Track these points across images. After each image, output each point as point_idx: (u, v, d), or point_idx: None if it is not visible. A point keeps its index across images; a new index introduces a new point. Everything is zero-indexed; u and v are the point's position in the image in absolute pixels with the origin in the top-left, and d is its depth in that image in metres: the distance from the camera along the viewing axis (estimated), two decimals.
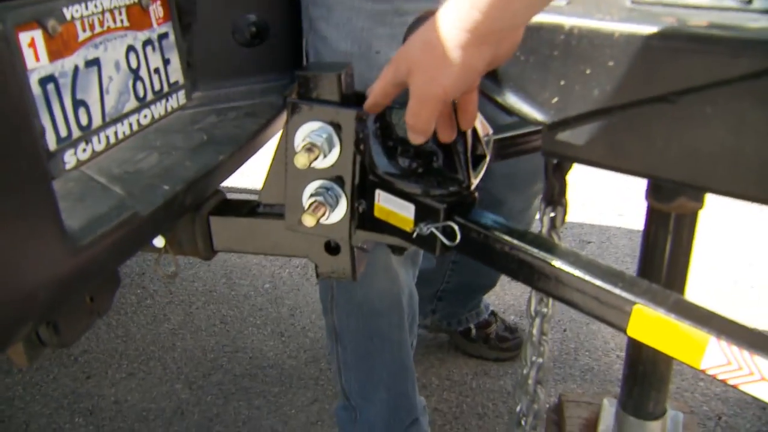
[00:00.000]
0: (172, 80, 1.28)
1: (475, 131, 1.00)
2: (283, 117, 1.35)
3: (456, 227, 0.91)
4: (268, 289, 2.59)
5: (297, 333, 2.33)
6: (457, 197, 0.94)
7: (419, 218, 0.95)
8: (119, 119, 1.13)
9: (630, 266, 2.71)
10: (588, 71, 0.85)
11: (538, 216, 1.09)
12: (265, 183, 1.14)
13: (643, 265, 1.04)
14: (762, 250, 2.77)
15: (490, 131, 1.09)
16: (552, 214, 1.01)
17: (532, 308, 1.05)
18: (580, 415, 1.63)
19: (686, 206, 0.97)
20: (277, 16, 1.41)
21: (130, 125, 1.15)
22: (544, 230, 1.02)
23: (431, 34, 0.77)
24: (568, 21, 0.85)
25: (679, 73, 0.79)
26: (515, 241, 0.88)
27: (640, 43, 0.80)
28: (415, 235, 0.95)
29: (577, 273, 0.82)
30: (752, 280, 2.59)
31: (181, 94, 1.31)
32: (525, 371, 1.05)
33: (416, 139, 0.87)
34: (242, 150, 1.18)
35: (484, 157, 1.03)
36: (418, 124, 0.85)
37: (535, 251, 0.86)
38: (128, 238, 0.92)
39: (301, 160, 0.97)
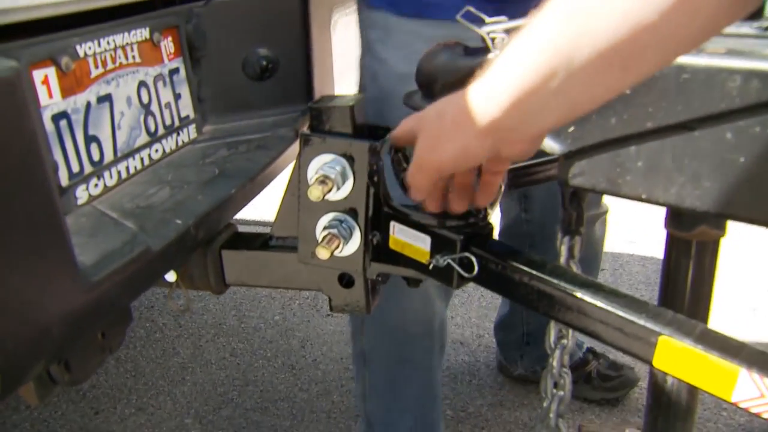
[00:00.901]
0: (183, 114, 1.28)
1: None
2: (295, 149, 1.34)
3: (473, 258, 0.89)
4: (278, 321, 2.57)
5: (308, 365, 2.31)
6: (474, 228, 0.93)
7: (435, 250, 0.94)
8: (131, 154, 1.13)
9: (645, 293, 2.68)
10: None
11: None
12: (277, 216, 1.13)
13: (664, 294, 1.02)
14: None
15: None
16: (570, 243, 1.00)
17: (551, 340, 1.03)
18: None
19: (708, 234, 0.96)
20: (287, 50, 1.42)
21: (142, 160, 1.15)
22: (563, 260, 1.00)
23: (448, 106, 0.78)
24: None
25: (698, 101, 0.78)
26: (534, 272, 0.86)
27: (658, 71, 0.79)
28: (431, 266, 0.93)
29: (600, 303, 0.80)
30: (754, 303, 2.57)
31: (192, 128, 1.30)
32: (546, 404, 1.03)
33: (415, 197, 0.88)
34: (254, 182, 1.18)
35: (499, 186, 1.02)
36: (414, 185, 0.86)
37: (555, 281, 0.84)
38: (141, 274, 0.91)
39: (314, 193, 0.96)
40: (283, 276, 1.14)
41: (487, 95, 0.72)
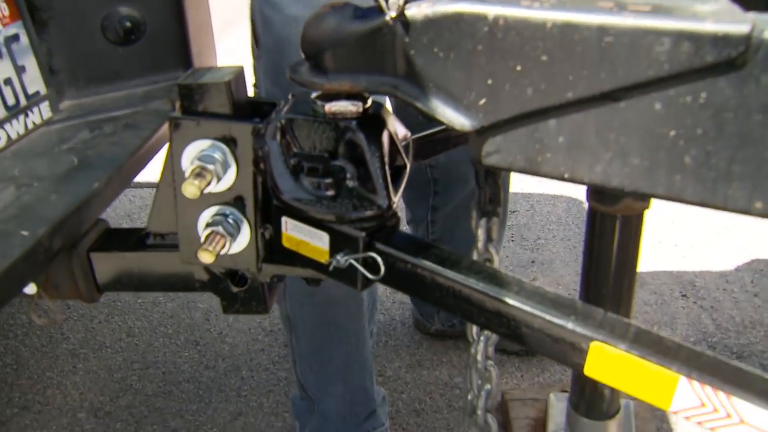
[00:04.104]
0: (30, 91, 1.08)
1: (391, 139, 0.87)
2: None
3: (378, 258, 0.78)
4: (178, 293, 2.41)
5: (213, 339, 2.17)
6: (378, 221, 0.81)
7: (335, 248, 0.82)
8: None
9: (557, 233, 2.67)
10: (519, 68, 0.73)
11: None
12: (153, 209, 0.98)
13: (588, 270, 0.95)
14: (683, 208, 2.79)
15: (408, 134, 0.96)
16: (487, 225, 0.90)
17: (473, 331, 0.94)
18: (527, 414, 1.56)
19: (633, 207, 0.88)
20: (156, 7, 1.23)
21: None
22: (480, 244, 0.90)
23: None
24: (491, 10, 0.72)
25: (623, 68, 0.68)
26: (449, 272, 0.76)
27: (577, 34, 0.69)
28: (331, 267, 0.81)
29: (523, 306, 0.71)
30: (675, 239, 2.61)
31: (45, 106, 1.11)
32: (471, 398, 0.95)
33: None
34: (122, 171, 1.01)
35: (404, 167, 0.90)
36: None
37: (472, 282, 0.75)
38: None
39: (189, 190, 0.82)
40: (166, 279, 1.00)
41: None
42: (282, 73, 0.94)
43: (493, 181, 0.89)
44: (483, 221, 0.90)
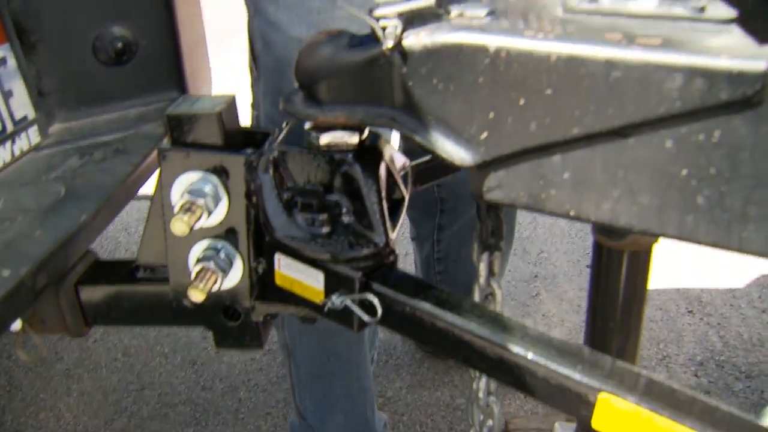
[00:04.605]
0: (17, 116, 1.05)
1: (389, 171, 0.84)
2: None
3: (375, 300, 0.74)
4: None
5: (210, 360, 2.13)
6: (375, 259, 0.78)
7: (330, 288, 0.78)
8: None
9: (560, 246, 2.63)
10: (522, 101, 0.69)
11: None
12: (143, 240, 0.94)
13: (594, 305, 0.91)
14: None
15: (407, 162, 0.92)
16: (489, 259, 0.86)
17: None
18: None
19: (640, 242, 0.84)
20: (148, 27, 1.19)
21: None
22: (482, 280, 0.87)
23: None
24: (493, 41, 0.69)
25: (633, 105, 0.64)
26: (449, 315, 0.72)
27: (583, 68, 0.65)
28: (326, 309, 0.78)
29: (527, 354, 0.68)
30: (681, 253, 2.57)
31: (33, 131, 1.08)
32: None
33: None
34: (111, 201, 0.98)
35: (402, 200, 0.86)
36: None
37: (473, 327, 0.71)
38: None
39: (178, 227, 0.78)
40: (157, 312, 0.96)
41: None
42: (281, 94, 0.91)
43: (495, 215, 0.85)
44: (485, 255, 0.86)
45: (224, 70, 2.31)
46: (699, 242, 0.67)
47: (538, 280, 2.48)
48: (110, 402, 1.97)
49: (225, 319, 0.95)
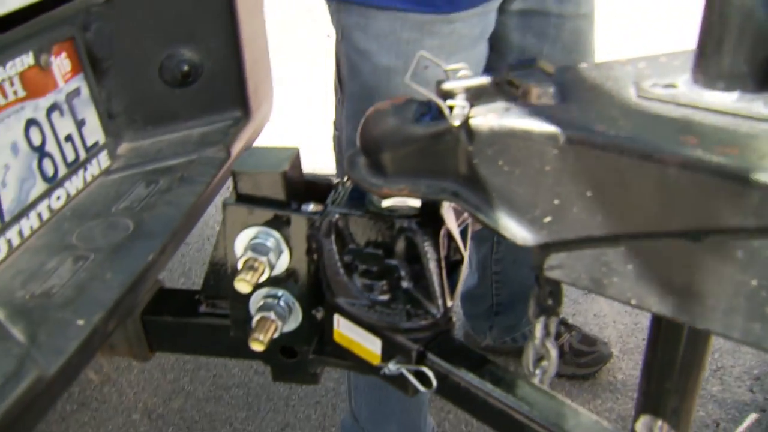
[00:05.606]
0: (89, 143, 1.08)
1: (449, 235, 0.84)
2: (226, 172, 1.17)
3: (431, 374, 0.76)
4: None
5: None
6: (433, 330, 0.79)
7: (387, 354, 0.80)
8: (23, 213, 0.94)
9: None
10: (589, 194, 0.68)
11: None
12: (206, 277, 0.97)
13: (647, 383, 0.90)
14: None
15: (466, 216, 0.92)
16: (545, 322, 0.86)
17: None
18: None
19: None
20: (214, 49, 1.21)
21: (39, 215, 0.97)
22: (537, 341, 0.87)
23: None
24: (562, 132, 0.67)
25: (706, 213, 0.63)
26: (503, 394, 0.74)
27: (656, 169, 0.64)
28: (382, 372, 0.80)
29: None
30: None
31: (103, 155, 1.11)
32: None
33: None
34: (176, 236, 1.01)
35: (461, 261, 0.87)
36: None
37: (526, 410, 0.72)
38: (33, 406, 0.75)
39: (242, 287, 0.80)
40: (217, 345, 1.00)
41: None
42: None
43: (554, 282, 0.85)
44: (542, 318, 0.86)
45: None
46: (765, 349, 0.66)
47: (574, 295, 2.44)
48: (168, 380, 2.06)
49: (282, 357, 0.98)
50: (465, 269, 0.87)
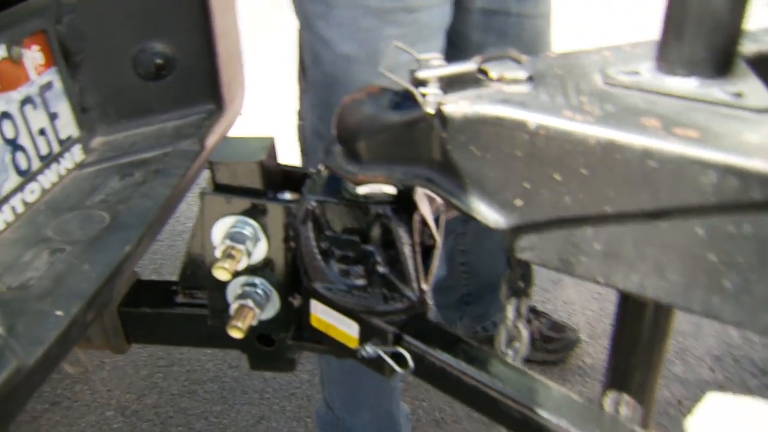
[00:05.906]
0: (63, 136, 1.08)
1: (423, 220, 0.86)
2: (200, 165, 1.18)
3: (407, 354, 0.78)
4: None
5: None
6: (408, 312, 0.81)
7: (364, 337, 0.82)
8: None
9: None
10: (557, 177, 0.71)
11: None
12: (183, 267, 0.98)
13: (614, 356, 0.94)
14: None
15: (440, 203, 0.95)
16: (517, 304, 0.89)
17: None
18: None
19: None
20: (187, 42, 1.21)
21: (13, 209, 0.97)
22: (509, 323, 0.90)
23: None
24: (532, 118, 0.70)
25: (667, 193, 0.66)
26: (477, 372, 0.76)
27: (620, 154, 0.67)
28: (359, 355, 0.82)
29: (551, 417, 0.71)
30: None
31: (77, 149, 1.11)
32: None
33: None
34: (152, 228, 1.01)
35: (434, 246, 0.89)
36: None
37: (499, 386, 0.75)
38: (12, 397, 0.75)
39: (221, 274, 0.82)
40: (195, 335, 1.01)
41: None
42: (329, 110, 0.92)
43: (525, 264, 0.88)
44: (513, 299, 0.89)
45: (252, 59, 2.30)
46: (723, 321, 0.70)
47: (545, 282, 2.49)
48: (141, 377, 2.06)
49: (260, 345, 0.99)
50: (438, 253, 0.89)
